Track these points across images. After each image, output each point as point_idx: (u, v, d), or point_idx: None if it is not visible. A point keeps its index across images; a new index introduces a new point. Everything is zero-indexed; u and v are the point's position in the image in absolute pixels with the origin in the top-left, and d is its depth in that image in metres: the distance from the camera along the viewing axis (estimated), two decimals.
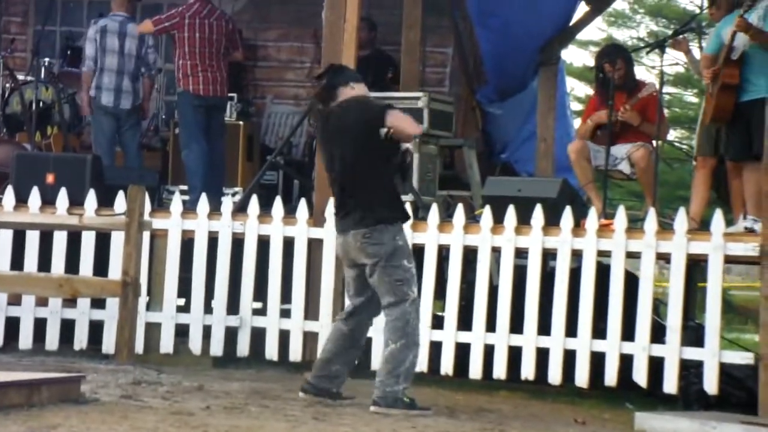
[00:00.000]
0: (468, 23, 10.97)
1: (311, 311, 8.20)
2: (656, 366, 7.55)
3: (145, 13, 11.04)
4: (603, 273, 7.77)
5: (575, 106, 20.61)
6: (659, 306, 8.69)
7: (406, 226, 7.07)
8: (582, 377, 7.66)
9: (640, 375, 7.56)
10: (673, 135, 23.59)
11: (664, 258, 7.84)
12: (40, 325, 8.50)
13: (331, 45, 8.57)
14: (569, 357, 7.68)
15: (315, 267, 8.17)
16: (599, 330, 7.68)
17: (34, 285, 8.01)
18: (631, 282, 7.76)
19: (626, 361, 7.60)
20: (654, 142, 8.70)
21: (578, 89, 26.10)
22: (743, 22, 7.71)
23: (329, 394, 6.67)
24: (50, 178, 8.75)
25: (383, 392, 6.45)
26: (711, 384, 7.43)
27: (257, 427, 5.76)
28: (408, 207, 7.23)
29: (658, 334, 7.70)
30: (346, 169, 6.53)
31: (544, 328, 7.76)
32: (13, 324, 8.53)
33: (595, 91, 9.20)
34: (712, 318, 7.49)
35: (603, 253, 7.81)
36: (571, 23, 10.79)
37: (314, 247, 8.24)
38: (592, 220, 7.82)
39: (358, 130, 6.49)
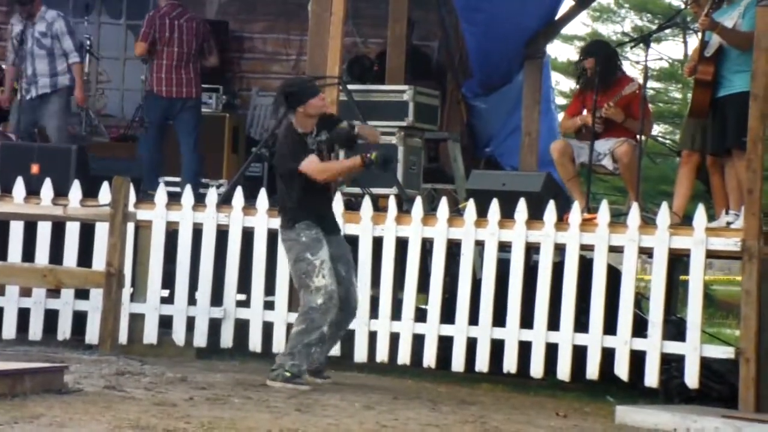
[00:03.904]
0: (454, 17, 10.98)
1: (295, 303, 8.20)
2: (638, 360, 7.59)
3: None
4: (586, 267, 7.81)
5: (560, 100, 20.66)
6: (641, 300, 8.73)
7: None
8: (564, 370, 7.70)
9: (622, 369, 7.60)
10: (657, 130, 23.69)
11: (646, 252, 7.88)
12: (23, 315, 8.50)
13: (317, 37, 8.57)
14: (551, 350, 7.72)
15: None
16: (581, 324, 7.72)
17: (18, 275, 8.02)
18: (614, 276, 7.80)
19: (608, 355, 7.64)
20: (638, 137, 8.73)
21: (563, 84, 26.18)
22: (707, 21, 7.77)
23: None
24: (35, 169, 8.74)
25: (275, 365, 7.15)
26: (692, 378, 7.48)
27: (240, 419, 5.78)
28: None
29: (639, 328, 7.74)
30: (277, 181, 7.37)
31: (527, 321, 7.79)
32: None
33: (578, 88, 9.23)
34: (694, 312, 7.54)
35: (586, 247, 7.85)
36: (556, 18, 10.81)
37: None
38: (576, 214, 7.86)
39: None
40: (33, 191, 8.59)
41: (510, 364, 7.78)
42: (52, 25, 9.80)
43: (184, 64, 10.02)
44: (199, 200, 8.50)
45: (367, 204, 8.25)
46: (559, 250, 7.89)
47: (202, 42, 10.20)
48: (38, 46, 9.80)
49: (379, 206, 8.44)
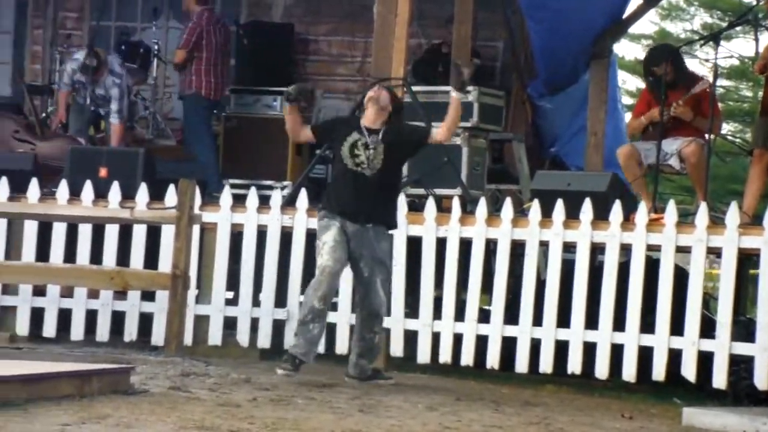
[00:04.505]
0: (519, 17, 10.93)
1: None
2: (705, 361, 7.50)
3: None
4: (652, 267, 7.73)
5: (626, 99, 20.46)
6: (709, 300, 8.63)
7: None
8: (629, 372, 7.63)
9: (689, 370, 7.51)
10: (726, 129, 23.35)
11: (714, 252, 7.78)
12: (91, 316, 8.61)
13: (382, 39, 8.58)
14: (616, 351, 7.65)
15: None
16: (647, 324, 7.64)
17: (86, 277, 8.13)
18: (681, 276, 7.71)
19: (674, 356, 7.55)
20: (707, 136, 8.62)
21: (630, 83, 25.94)
22: None
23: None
24: (103, 172, 8.86)
25: None
26: (761, 379, 7.37)
27: (303, 420, 5.80)
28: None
29: (707, 328, 7.64)
30: None
31: (592, 322, 7.73)
32: (65, 315, 8.65)
33: (645, 89, 9.12)
34: (764, 312, 7.42)
35: (653, 248, 7.77)
36: (623, 16, 10.72)
37: None
38: (642, 214, 7.78)
39: None
40: (101, 194, 8.70)
41: (574, 365, 7.73)
42: (108, 91, 10.25)
43: (224, 68, 10.51)
44: (264, 202, 8.56)
45: (430, 205, 8.24)
46: (625, 250, 7.81)
47: (228, 45, 10.65)
48: (100, 99, 10.30)
49: (443, 207, 8.43)
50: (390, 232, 7.44)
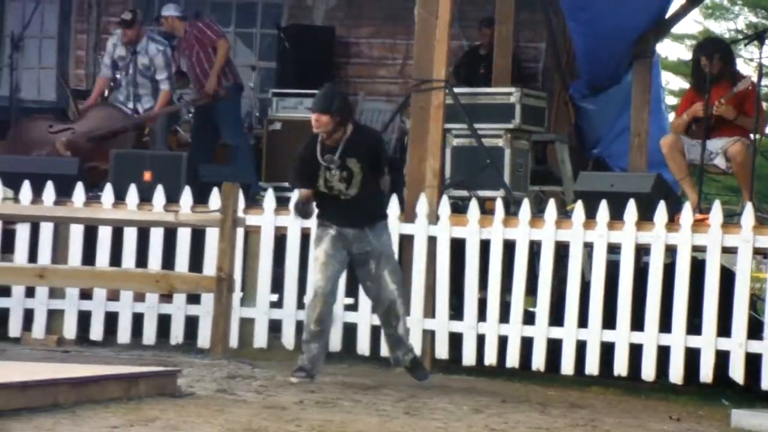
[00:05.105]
0: (560, 18, 10.89)
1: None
2: (753, 362, 7.43)
3: None
4: (698, 268, 7.68)
5: (670, 100, 20.31)
6: (756, 301, 8.56)
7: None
8: (676, 373, 7.58)
9: (737, 372, 7.46)
10: None
11: (761, 253, 7.72)
12: (137, 320, 8.67)
13: (423, 41, 8.57)
14: (663, 353, 7.61)
15: (406, 263, 8.18)
16: (694, 326, 7.59)
17: (132, 281, 8.19)
18: (727, 277, 7.65)
19: (722, 358, 7.50)
20: (751, 136, 8.55)
21: (673, 83, 25.74)
22: None
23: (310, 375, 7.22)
24: (147, 176, 8.92)
25: None
26: None
27: (350, 422, 5.81)
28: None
29: (755, 329, 7.58)
30: None
31: (637, 323, 7.69)
32: (111, 319, 8.71)
33: (691, 84, 9.07)
34: None
35: (698, 249, 7.72)
36: (666, 16, 10.64)
37: (405, 243, 8.27)
38: (687, 214, 7.73)
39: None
40: (145, 198, 8.76)
41: (620, 366, 7.69)
42: (153, 60, 10.28)
43: None
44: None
45: (474, 207, 8.22)
46: (670, 251, 7.76)
47: None
48: (141, 75, 10.30)
49: (486, 209, 8.41)
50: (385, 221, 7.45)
